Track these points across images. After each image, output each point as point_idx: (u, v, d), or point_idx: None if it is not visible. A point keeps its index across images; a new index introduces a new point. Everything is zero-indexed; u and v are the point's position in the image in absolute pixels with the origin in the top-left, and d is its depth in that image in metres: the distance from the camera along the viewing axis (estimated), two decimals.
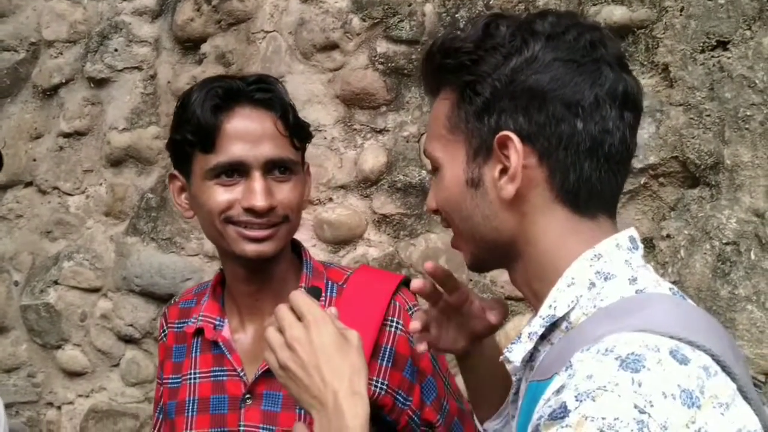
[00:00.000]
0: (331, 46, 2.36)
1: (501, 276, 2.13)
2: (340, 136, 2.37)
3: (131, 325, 2.70)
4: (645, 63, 1.99)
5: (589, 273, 0.92)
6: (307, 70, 2.40)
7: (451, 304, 1.18)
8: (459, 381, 1.37)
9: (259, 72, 2.07)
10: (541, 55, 0.92)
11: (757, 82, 1.82)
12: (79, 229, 2.81)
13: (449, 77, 0.99)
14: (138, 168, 2.71)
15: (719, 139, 1.86)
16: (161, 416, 1.51)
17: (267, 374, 1.31)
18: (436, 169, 1.03)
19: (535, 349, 0.96)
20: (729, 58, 1.86)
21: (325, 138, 2.37)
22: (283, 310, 1.08)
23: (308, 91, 2.39)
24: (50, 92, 2.84)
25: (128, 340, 2.72)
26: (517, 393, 1.02)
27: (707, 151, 1.87)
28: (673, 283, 1.58)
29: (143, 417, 2.69)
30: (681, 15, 1.93)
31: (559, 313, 0.92)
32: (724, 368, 0.82)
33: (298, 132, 1.37)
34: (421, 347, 1.20)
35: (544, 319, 0.94)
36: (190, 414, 1.41)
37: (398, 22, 2.27)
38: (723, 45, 1.88)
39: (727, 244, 1.84)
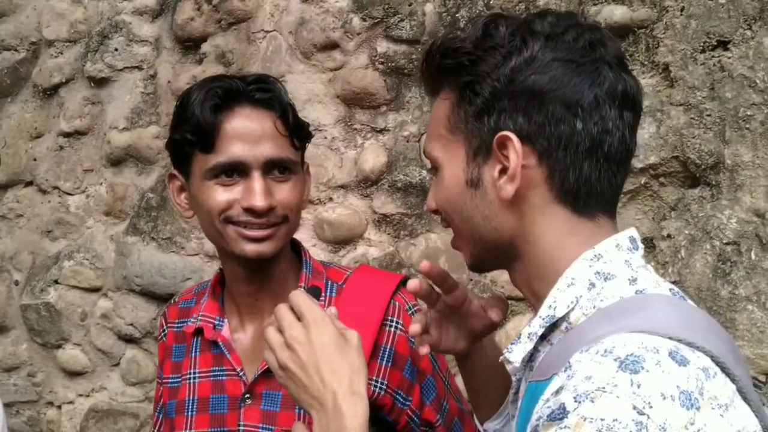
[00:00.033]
0: (332, 46, 2.35)
1: (501, 276, 2.13)
2: (340, 135, 2.37)
3: (131, 325, 2.70)
4: (645, 63, 1.99)
5: (589, 273, 0.92)
6: (308, 70, 2.40)
7: (450, 305, 1.17)
8: (459, 381, 1.37)
9: (259, 72, 2.08)
10: (540, 55, 0.92)
11: (757, 81, 1.82)
12: (80, 228, 2.81)
13: (449, 77, 0.99)
14: (138, 167, 2.71)
15: (720, 139, 1.86)
16: (161, 416, 1.51)
17: (266, 374, 1.31)
18: (435, 169, 1.03)
19: (535, 350, 0.96)
20: (729, 57, 1.86)
21: (326, 137, 2.37)
22: (282, 309, 1.08)
23: (308, 90, 2.39)
24: (50, 92, 2.84)
25: (128, 340, 2.73)
26: (516, 393, 1.02)
27: (708, 151, 1.87)
28: (674, 283, 1.58)
29: (143, 416, 2.70)
30: (681, 15, 1.93)
31: (559, 314, 0.92)
32: (724, 369, 0.82)
33: (298, 132, 1.37)
34: (424, 350, 1.19)
35: (543, 319, 0.94)
36: (189, 413, 1.41)
37: (398, 21, 2.27)
38: (723, 45, 1.87)
39: (727, 244, 1.84)
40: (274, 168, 1.33)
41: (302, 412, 1.28)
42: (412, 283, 1.15)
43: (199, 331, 1.43)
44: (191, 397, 1.41)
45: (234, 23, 2.50)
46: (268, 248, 1.32)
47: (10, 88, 2.91)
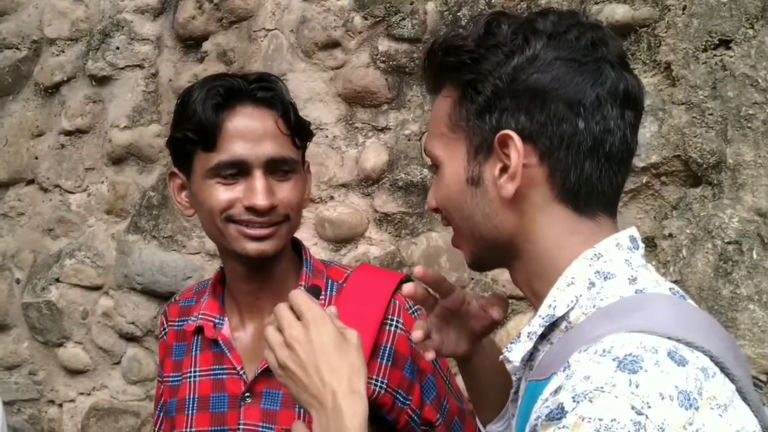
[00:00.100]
0: (333, 45, 2.35)
1: (502, 275, 2.13)
2: (341, 134, 2.37)
3: (132, 323, 2.70)
4: (647, 62, 1.98)
5: (589, 272, 0.92)
6: (309, 69, 2.40)
7: (448, 308, 1.17)
8: (459, 380, 1.37)
9: (260, 70, 2.08)
10: (542, 54, 0.92)
11: (759, 81, 1.81)
12: (81, 227, 2.81)
13: (451, 75, 0.99)
14: (139, 166, 2.71)
15: (721, 138, 1.85)
16: (162, 414, 1.51)
17: (267, 373, 1.31)
18: (436, 167, 1.03)
19: (534, 349, 0.96)
20: (731, 56, 1.86)
21: (327, 136, 2.37)
22: (282, 309, 1.08)
23: (310, 89, 2.39)
24: (52, 90, 2.85)
25: (129, 338, 2.73)
26: (517, 392, 1.02)
27: (709, 150, 1.87)
28: (675, 282, 1.57)
29: (144, 415, 2.70)
30: (683, 13, 1.93)
31: (559, 313, 0.92)
32: (723, 369, 0.82)
33: (299, 131, 1.37)
34: (429, 355, 1.19)
35: (543, 318, 0.93)
36: (190, 412, 1.41)
37: (400, 20, 2.27)
38: (725, 44, 1.87)
39: (729, 243, 1.84)
40: (275, 167, 1.33)
41: (302, 411, 1.28)
42: (407, 288, 1.15)
43: (199, 330, 1.43)
44: (192, 396, 1.41)
45: (235, 22, 2.50)
46: (269, 247, 1.32)
47: (11, 87, 2.91)
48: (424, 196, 2.22)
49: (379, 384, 1.34)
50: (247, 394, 1.35)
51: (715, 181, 1.87)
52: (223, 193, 1.31)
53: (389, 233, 2.33)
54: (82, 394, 2.83)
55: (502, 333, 2.12)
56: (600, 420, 0.73)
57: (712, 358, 0.82)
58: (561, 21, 0.95)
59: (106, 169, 2.77)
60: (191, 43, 2.61)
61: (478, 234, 0.99)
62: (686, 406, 0.75)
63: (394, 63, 2.28)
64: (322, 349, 1.03)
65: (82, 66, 2.77)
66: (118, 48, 2.70)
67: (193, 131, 1.32)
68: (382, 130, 2.32)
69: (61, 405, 2.87)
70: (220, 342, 1.39)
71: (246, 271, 1.38)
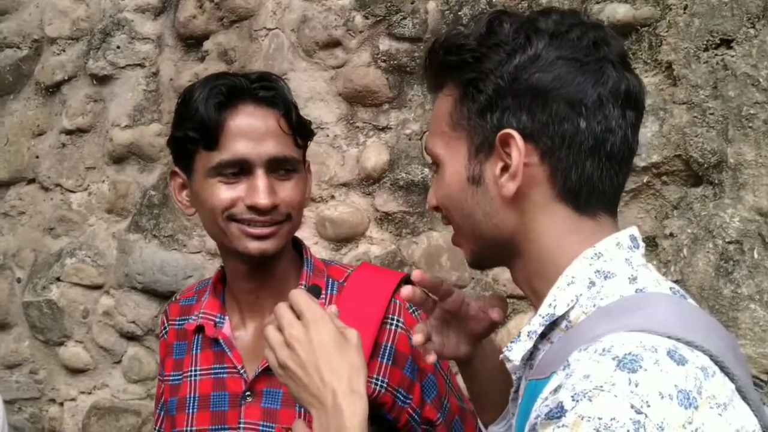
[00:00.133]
0: (334, 44, 2.35)
1: (503, 274, 2.13)
2: (342, 133, 2.37)
3: (133, 322, 2.70)
4: (648, 61, 1.98)
5: (589, 272, 0.92)
6: (310, 68, 2.40)
7: (447, 311, 1.17)
8: (459, 380, 1.37)
9: (261, 69, 2.07)
10: (544, 53, 0.92)
11: (761, 80, 1.81)
12: (82, 226, 2.81)
13: (452, 74, 0.99)
14: (140, 165, 2.72)
15: (723, 138, 1.85)
16: (162, 413, 1.51)
17: (267, 371, 1.31)
18: (437, 166, 1.03)
19: (535, 348, 0.96)
20: (733, 56, 1.85)
21: (328, 136, 2.37)
22: (282, 308, 1.08)
23: (311, 88, 2.39)
24: (53, 89, 2.85)
25: (130, 337, 2.73)
26: (517, 391, 1.02)
27: (710, 149, 1.87)
28: (676, 281, 1.57)
29: (145, 414, 2.70)
30: (685, 13, 1.92)
31: (559, 312, 0.92)
32: (723, 369, 0.82)
33: (301, 130, 1.37)
34: (431, 358, 1.18)
35: (543, 317, 0.93)
36: (190, 411, 1.41)
37: (401, 19, 2.27)
38: (727, 43, 1.87)
39: (730, 242, 1.84)
40: (277, 166, 1.33)
41: (303, 409, 1.28)
42: (405, 292, 1.15)
43: (200, 329, 1.43)
44: (192, 395, 1.41)
45: (236, 21, 2.50)
46: (271, 246, 1.32)
47: (12, 86, 2.91)
48: (425, 196, 2.22)
49: (379, 383, 1.34)
50: (248, 393, 1.35)
51: (716, 181, 1.87)
52: (224, 192, 1.31)
53: (390, 232, 2.33)
54: (82, 393, 2.84)
55: (503, 332, 2.12)
56: (599, 419, 0.73)
57: (711, 357, 0.82)
58: (563, 20, 0.95)
59: (107, 168, 2.77)
60: (192, 43, 2.61)
61: (479, 233, 0.99)
62: (686, 405, 0.75)
63: (395, 62, 2.28)
64: (322, 349, 1.03)
65: (83, 65, 2.77)
66: (118, 47, 2.70)
67: (195, 130, 1.32)
68: (383, 129, 2.32)
69: (62, 404, 2.88)
70: (221, 341, 1.39)
71: (247, 269, 1.38)
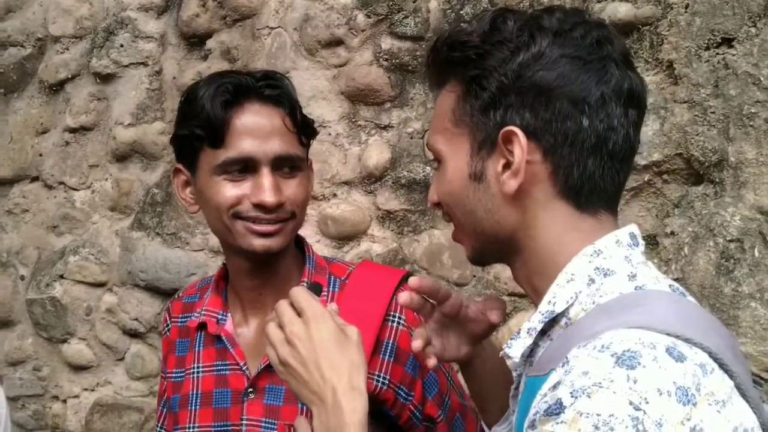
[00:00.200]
0: (336, 43, 2.36)
1: (504, 272, 2.14)
2: (344, 132, 2.37)
3: (136, 320, 2.71)
4: (650, 60, 1.98)
5: (589, 269, 0.92)
6: (312, 66, 2.40)
7: (446, 314, 1.17)
8: (460, 378, 1.37)
9: (264, 68, 2.08)
10: (548, 51, 0.92)
11: (762, 79, 1.81)
12: (85, 223, 2.82)
13: (455, 71, 0.98)
14: (143, 163, 2.72)
15: (724, 137, 1.86)
16: (165, 410, 1.52)
17: (269, 368, 1.31)
18: (438, 162, 1.03)
19: (534, 345, 0.96)
20: (734, 55, 1.86)
21: (330, 134, 2.38)
22: (283, 306, 1.09)
23: (313, 87, 2.39)
24: (56, 87, 2.85)
25: (133, 335, 2.74)
26: (517, 388, 1.02)
27: (711, 148, 1.87)
28: (677, 280, 1.58)
29: (148, 411, 2.71)
30: (686, 12, 1.93)
31: (558, 309, 0.92)
32: (722, 366, 0.82)
33: (305, 128, 1.38)
34: (432, 362, 1.18)
35: (543, 314, 0.94)
36: (193, 408, 1.41)
37: (403, 18, 2.27)
38: (728, 42, 1.87)
39: (731, 241, 1.84)
40: (282, 164, 1.33)
41: (305, 406, 1.28)
42: (403, 298, 1.14)
43: (202, 326, 1.43)
44: (195, 392, 1.42)
45: (239, 20, 2.51)
46: (275, 243, 1.33)
47: (16, 84, 2.92)
48: (427, 194, 2.22)
49: (381, 380, 1.34)
50: (250, 389, 1.36)
51: (717, 179, 1.87)
52: (230, 190, 1.32)
53: (392, 231, 2.33)
54: (86, 389, 2.84)
55: (504, 330, 2.12)
56: (598, 415, 0.73)
57: (710, 354, 0.82)
58: (567, 18, 0.95)
59: (110, 166, 2.78)
60: (195, 41, 2.61)
61: (480, 229, 0.99)
62: (684, 402, 0.75)
63: (397, 61, 2.29)
64: (323, 346, 1.03)
65: (86, 63, 2.78)
66: (122, 46, 2.71)
67: (200, 127, 1.32)
68: (385, 127, 2.33)
69: (65, 401, 2.88)
70: (223, 338, 1.39)
71: (250, 267, 1.38)
